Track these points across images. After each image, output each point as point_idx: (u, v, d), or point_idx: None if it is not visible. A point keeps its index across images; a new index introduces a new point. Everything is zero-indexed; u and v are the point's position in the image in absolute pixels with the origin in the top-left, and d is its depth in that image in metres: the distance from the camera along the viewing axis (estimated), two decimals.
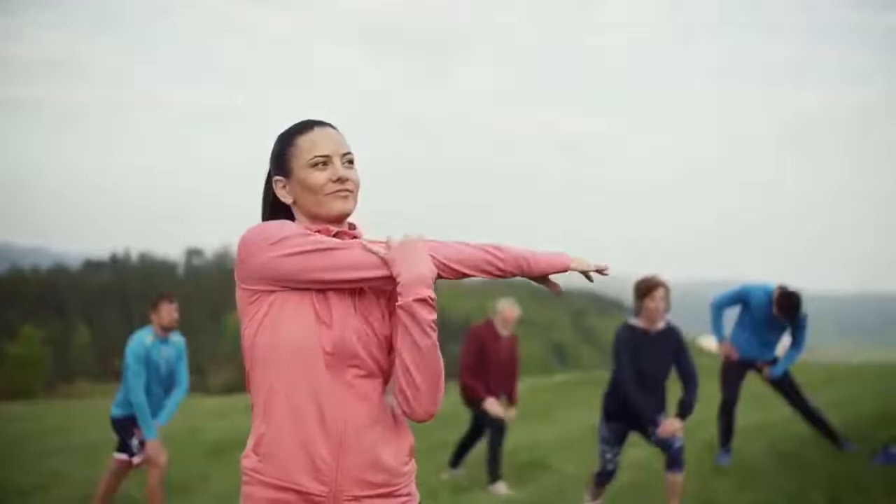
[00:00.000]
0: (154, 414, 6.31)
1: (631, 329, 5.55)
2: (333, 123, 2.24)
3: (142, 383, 6.18)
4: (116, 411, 6.38)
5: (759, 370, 7.11)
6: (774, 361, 7.07)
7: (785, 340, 7.14)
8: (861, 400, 8.99)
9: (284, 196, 2.21)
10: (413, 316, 2.05)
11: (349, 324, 2.10)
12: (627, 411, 5.50)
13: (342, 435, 2.08)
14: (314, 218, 2.18)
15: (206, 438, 11.18)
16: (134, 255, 74.82)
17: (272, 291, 2.08)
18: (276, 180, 2.22)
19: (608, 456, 5.68)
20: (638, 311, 5.53)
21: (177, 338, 6.48)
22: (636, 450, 7.08)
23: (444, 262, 2.12)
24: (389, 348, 2.15)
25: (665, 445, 5.43)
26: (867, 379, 10.92)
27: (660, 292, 5.43)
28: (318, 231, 2.15)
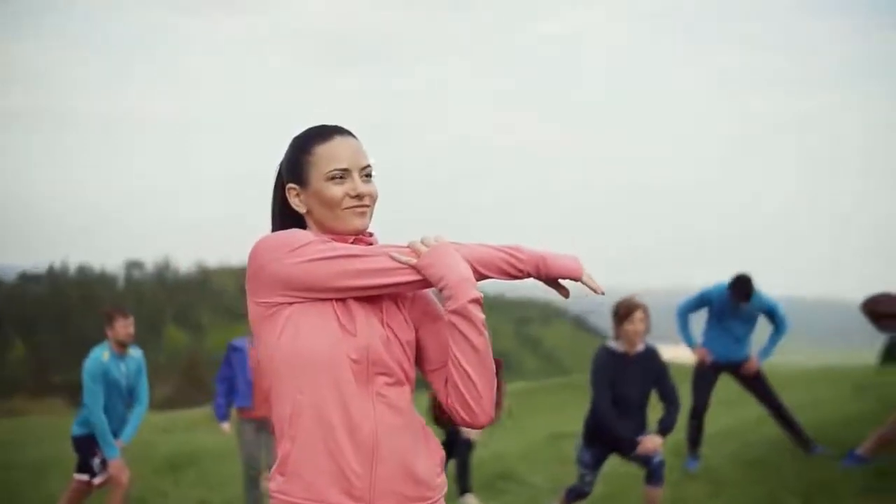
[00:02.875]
0: (117, 432, 6.13)
1: (610, 353, 5.45)
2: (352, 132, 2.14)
3: (100, 402, 6.00)
4: (77, 430, 6.20)
5: (735, 372, 7.13)
6: (747, 360, 7.11)
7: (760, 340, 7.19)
8: (823, 403, 9.10)
9: (298, 205, 2.12)
10: (469, 318, 1.97)
11: (374, 331, 2.02)
12: (608, 436, 5.43)
13: (374, 446, 1.98)
14: (328, 231, 2.09)
15: (159, 454, 10.91)
16: (72, 268, 73.26)
17: (291, 303, 1.99)
18: (290, 188, 2.13)
19: (587, 479, 5.61)
20: (617, 335, 5.46)
21: (135, 352, 6.30)
22: (609, 461, 7.05)
23: (470, 262, 2.04)
24: (412, 355, 2.09)
25: (645, 461, 5.38)
26: (828, 382, 11.07)
27: (639, 314, 5.36)
28: (335, 240, 2.06)
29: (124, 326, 6.12)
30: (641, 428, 5.47)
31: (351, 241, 2.08)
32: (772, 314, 7.09)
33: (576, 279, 2.13)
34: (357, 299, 2.02)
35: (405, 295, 2.11)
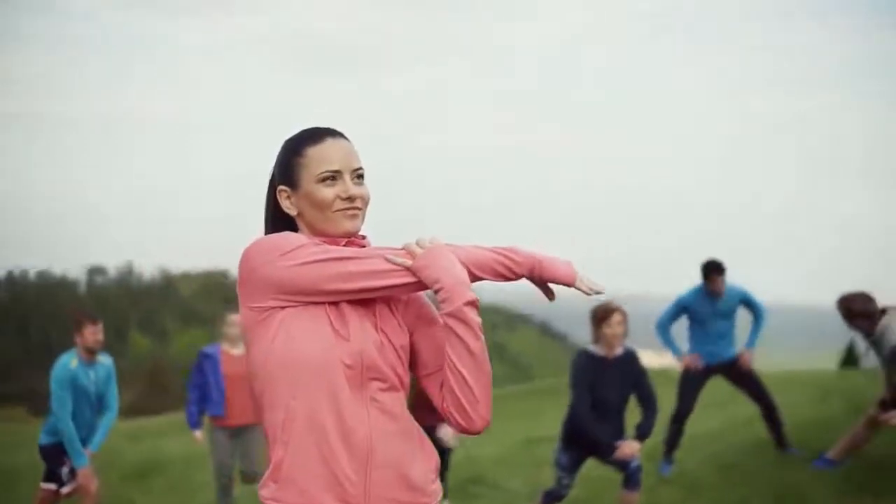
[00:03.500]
0: (85, 440, 6.03)
1: (589, 356, 5.46)
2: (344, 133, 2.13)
3: (68, 410, 5.89)
4: (45, 439, 6.08)
5: (727, 371, 7.17)
6: (736, 360, 7.14)
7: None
8: (794, 407, 9.17)
9: (289, 207, 2.10)
10: (465, 321, 1.95)
11: (367, 336, 1.99)
12: (586, 439, 5.42)
13: (368, 452, 1.95)
14: (319, 233, 2.07)
15: (126, 462, 10.79)
16: (32, 273, 72.18)
17: (283, 307, 1.95)
18: (281, 190, 2.11)
19: (565, 482, 5.62)
20: (596, 338, 5.46)
21: (105, 359, 6.19)
22: (586, 464, 7.05)
23: (465, 264, 2.02)
24: (406, 359, 2.07)
25: (622, 465, 5.39)
26: (799, 386, 11.16)
27: (616, 318, 5.37)
28: (327, 243, 2.04)
29: (93, 333, 6.01)
30: (619, 432, 5.47)
31: (343, 243, 2.05)
32: (748, 303, 7.16)
33: (569, 285, 2.12)
34: (350, 303, 2.00)
35: (399, 298, 2.09)
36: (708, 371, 7.19)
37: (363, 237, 2.12)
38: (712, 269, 7.01)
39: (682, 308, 7.17)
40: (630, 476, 5.39)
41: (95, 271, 73.54)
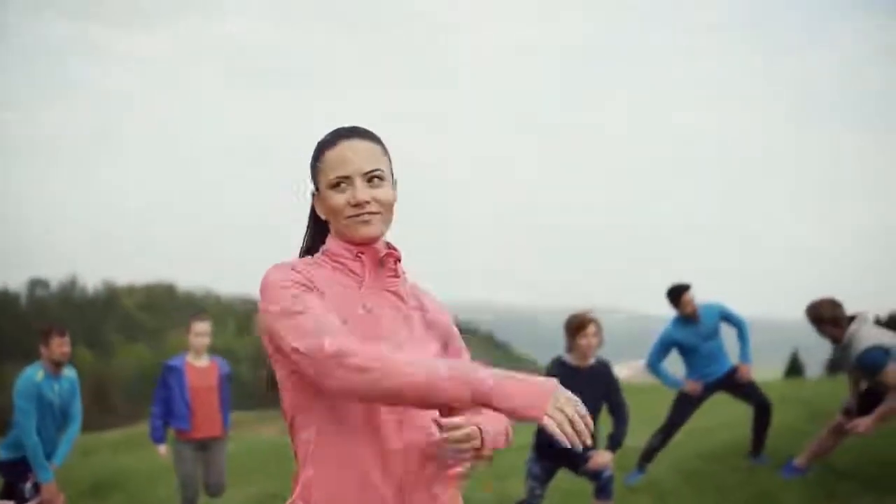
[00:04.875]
0: (48, 454, 5.90)
1: (563, 365, 5.49)
2: (368, 130, 2.05)
3: (33, 424, 5.78)
4: (5, 454, 5.94)
5: (727, 384, 7.23)
6: (733, 373, 7.21)
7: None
8: (749, 416, 9.28)
9: (320, 211, 2.06)
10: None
11: (400, 349, 1.93)
12: (558, 449, 5.44)
13: (403, 472, 1.91)
14: (347, 239, 2.02)
15: (80, 478, 10.55)
16: None
17: None
18: (313, 194, 2.07)
19: (537, 492, 5.63)
20: (570, 348, 5.50)
21: (69, 372, 6.08)
22: (557, 474, 7.08)
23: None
24: None
25: (594, 475, 5.42)
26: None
27: (591, 328, 5.41)
28: (362, 253, 1.99)
29: (60, 345, 5.90)
30: (592, 442, 5.50)
31: (382, 255, 2.01)
32: (727, 318, 7.23)
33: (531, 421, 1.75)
34: (388, 320, 1.96)
35: (433, 318, 2.07)
36: (707, 389, 7.26)
37: (394, 249, 2.05)
38: (678, 293, 7.09)
39: (668, 344, 7.23)
40: (603, 486, 5.42)
41: (37, 284, 72.06)
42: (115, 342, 64.46)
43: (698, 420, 9.28)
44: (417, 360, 1.76)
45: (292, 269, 1.94)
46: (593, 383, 5.47)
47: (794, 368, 44.97)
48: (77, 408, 6.13)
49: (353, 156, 1.98)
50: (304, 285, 1.89)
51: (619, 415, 5.53)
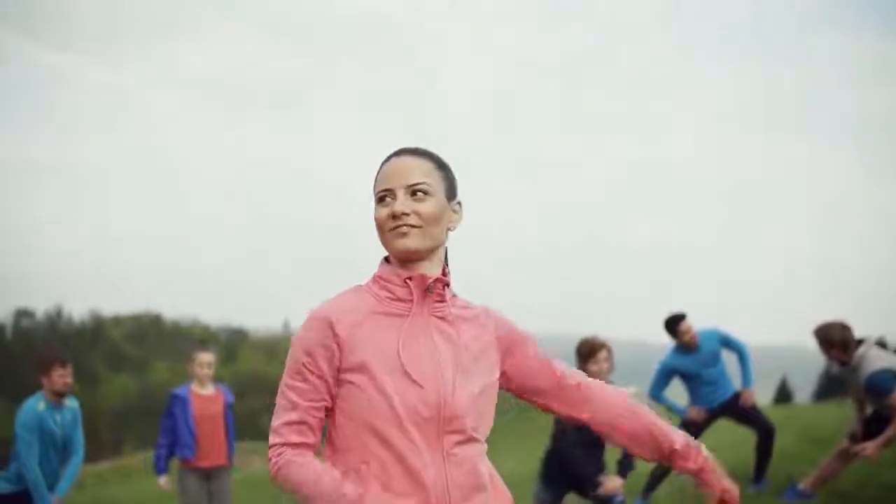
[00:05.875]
0: (50, 486, 5.84)
1: None
2: (427, 150, 2.05)
3: (35, 455, 5.72)
4: (5, 487, 5.86)
5: (731, 410, 7.22)
6: (736, 398, 7.21)
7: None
8: (744, 442, 9.26)
9: None
10: None
11: (446, 382, 1.91)
12: (567, 474, 5.42)
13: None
14: (392, 255, 2.00)
15: None
16: None
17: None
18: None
19: None
20: None
21: (72, 403, 6.03)
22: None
23: None
24: (491, 403, 2.00)
25: (605, 501, 5.39)
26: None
27: (603, 354, 5.41)
28: (409, 279, 1.96)
29: (62, 376, 5.85)
30: (602, 467, 5.49)
31: (430, 281, 1.97)
32: (726, 343, 7.24)
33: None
34: (425, 360, 1.92)
35: (484, 342, 2.03)
36: (711, 415, 7.26)
37: (444, 271, 2.02)
38: (675, 323, 7.10)
39: (668, 373, 7.24)
40: None
41: (22, 314, 71.48)
42: (101, 373, 63.92)
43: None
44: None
45: (315, 327, 1.93)
46: None
47: (784, 395, 45.13)
48: (79, 439, 6.07)
49: (399, 170, 1.97)
50: (311, 365, 1.92)
51: None
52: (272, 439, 1.92)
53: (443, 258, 2.03)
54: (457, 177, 2.06)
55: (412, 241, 1.93)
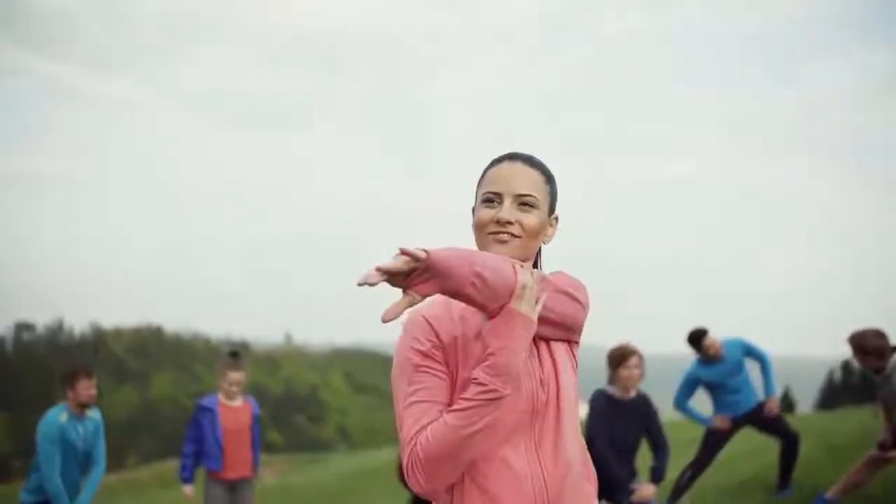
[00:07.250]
0: (71, 498, 5.80)
1: (607, 397, 5.48)
2: (540, 160, 2.03)
3: (56, 467, 5.68)
4: (28, 498, 5.84)
5: (755, 419, 7.18)
6: (760, 408, 7.18)
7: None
8: (760, 450, 9.24)
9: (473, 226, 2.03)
10: None
11: (559, 380, 1.92)
12: (602, 481, 5.38)
13: (559, 498, 1.87)
14: None
15: None
16: None
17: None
18: (473, 209, 2.03)
19: None
20: (612, 380, 5.49)
21: (94, 414, 5.99)
22: None
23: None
24: (575, 398, 1.99)
25: None
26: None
27: (633, 360, 5.42)
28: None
29: (87, 388, 5.83)
30: (633, 473, 5.47)
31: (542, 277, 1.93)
32: (749, 352, 7.22)
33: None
34: (538, 347, 1.93)
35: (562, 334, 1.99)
36: (735, 423, 7.24)
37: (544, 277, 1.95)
38: (698, 338, 7.10)
39: (693, 383, 7.23)
40: None
41: (23, 328, 71.39)
42: (102, 385, 63.81)
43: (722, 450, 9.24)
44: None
45: (418, 333, 1.88)
46: (636, 416, 5.45)
47: (786, 405, 45.15)
48: (101, 450, 6.03)
49: (510, 176, 1.96)
50: (423, 359, 1.86)
51: (661, 447, 5.51)
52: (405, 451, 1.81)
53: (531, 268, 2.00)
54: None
55: (510, 250, 1.93)
